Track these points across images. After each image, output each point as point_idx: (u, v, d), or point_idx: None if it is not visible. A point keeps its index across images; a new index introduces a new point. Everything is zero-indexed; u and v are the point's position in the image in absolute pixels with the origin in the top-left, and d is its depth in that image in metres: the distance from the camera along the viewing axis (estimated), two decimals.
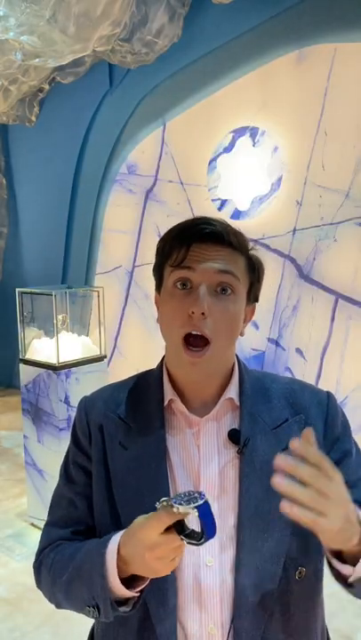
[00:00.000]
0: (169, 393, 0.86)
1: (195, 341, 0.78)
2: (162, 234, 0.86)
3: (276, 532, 0.78)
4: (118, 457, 0.85)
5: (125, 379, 0.95)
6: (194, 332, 0.77)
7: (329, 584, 0.90)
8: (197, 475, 0.82)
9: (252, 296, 0.86)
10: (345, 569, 0.72)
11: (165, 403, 0.86)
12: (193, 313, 0.76)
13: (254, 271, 0.84)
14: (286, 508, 0.61)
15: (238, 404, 0.85)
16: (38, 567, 0.89)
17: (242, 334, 0.85)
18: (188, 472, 0.83)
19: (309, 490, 0.61)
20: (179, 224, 0.84)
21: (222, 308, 0.79)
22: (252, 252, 0.84)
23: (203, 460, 0.82)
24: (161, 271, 0.84)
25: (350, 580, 0.72)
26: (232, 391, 0.85)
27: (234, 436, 0.82)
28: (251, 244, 0.85)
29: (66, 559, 0.83)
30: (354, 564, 0.72)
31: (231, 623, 0.78)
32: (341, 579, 0.74)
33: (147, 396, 0.88)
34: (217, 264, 0.78)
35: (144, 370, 0.95)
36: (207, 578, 0.79)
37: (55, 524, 0.91)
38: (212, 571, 0.79)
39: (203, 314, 0.76)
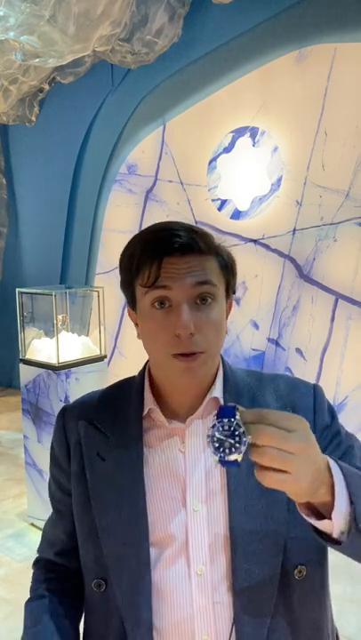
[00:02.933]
0: (149, 402, 0.84)
1: (186, 355, 0.76)
2: None
3: (271, 531, 0.76)
4: (96, 468, 0.83)
5: (107, 387, 0.93)
6: (184, 353, 0.75)
7: (330, 585, 0.89)
8: (184, 480, 0.80)
9: (230, 291, 0.83)
10: (323, 525, 0.66)
11: (145, 412, 0.84)
12: (180, 335, 0.74)
13: (228, 268, 0.81)
14: (258, 476, 0.58)
15: (223, 403, 0.83)
16: (34, 570, 0.96)
17: (226, 332, 0.83)
18: (173, 479, 0.81)
19: (267, 450, 0.58)
20: (141, 236, 0.79)
21: (206, 318, 0.76)
22: (220, 249, 0.80)
23: (188, 463, 0.80)
24: (132, 289, 0.80)
25: (334, 535, 0.65)
26: (217, 390, 0.83)
27: None
28: (218, 240, 0.81)
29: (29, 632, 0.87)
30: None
31: (231, 630, 0.75)
32: (329, 538, 0.67)
33: (126, 406, 0.86)
34: (193, 277, 0.75)
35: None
36: (199, 587, 0.76)
37: (45, 539, 0.96)
38: (204, 580, 0.76)
39: (191, 333, 0.74)
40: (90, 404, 0.89)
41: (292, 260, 3.62)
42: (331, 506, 0.64)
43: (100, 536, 0.80)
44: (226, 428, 0.60)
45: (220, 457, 0.60)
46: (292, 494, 0.62)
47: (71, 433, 0.87)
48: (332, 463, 0.65)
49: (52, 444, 0.91)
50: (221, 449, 0.60)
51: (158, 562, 0.78)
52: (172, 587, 0.77)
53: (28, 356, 3.06)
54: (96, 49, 3.80)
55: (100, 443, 0.84)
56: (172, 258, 0.74)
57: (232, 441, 0.59)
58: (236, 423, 0.59)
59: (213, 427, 0.60)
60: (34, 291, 3.11)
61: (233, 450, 0.59)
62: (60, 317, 2.95)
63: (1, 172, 5.91)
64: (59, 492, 0.90)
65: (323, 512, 0.66)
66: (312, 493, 0.62)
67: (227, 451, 0.59)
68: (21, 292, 3.14)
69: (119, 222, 4.72)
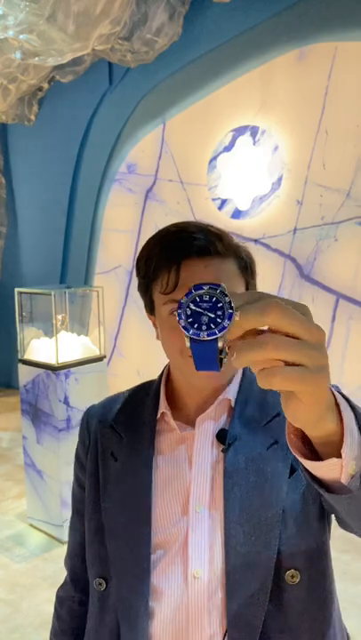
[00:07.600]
0: (162, 406, 0.84)
1: None
2: None
3: (264, 532, 0.74)
4: (109, 467, 0.84)
5: (129, 388, 0.94)
6: None
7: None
8: (189, 484, 0.79)
9: None
10: (327, 467, 0.51)
11: (158, 416, 0.84)
12: None
13: (247, 269, 0.80)
14: (263, 381, 0.43)
15: (234, 405, 0.82)
16: (58, 602, 1.00)
17: None
18: (179, 484, 0.80)
19: (272, 335, 0.41)
20: (157, 238, 0.78)
21: None
22: (239, 250, 0.79)
23: (195, 467, 0.80)
24: (150, 294, 0.80)
25: (343, 478, 0.51)
26: (231, 392, 0.82)
27: (223, 436, 0.80)
28: (236, 240, 0.80)
29: None
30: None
31: (225, 635, 0.73)
32: (330, 489, 0.55)
33: (142, 408, 0.87)
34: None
35: (144, 370, 0.94)
36: (194, 591, 0.75)
37: (70, 548, 0.95)
38: (200, 582, 0.75)
39: None
40: (110, 405, 0.91)
41: (293, 260, 3.60)
42: (337, 438, 0.50)
43: (105, 536, 0.81)
44: (206, 298, 0.42)
45: (194, 335, 0.42)
46: (305, 406, 0.45)
47: (91, 432, 0.89)
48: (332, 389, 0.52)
49: (77, 444, 0.93)
50: (196, 325, 0.42)
51: (158, 564, 0.77)
52: (168, 588, 0.76)
53: (26, 357, 3.04)
54: (95, 48, 3.79)
55: (114, 443, 0.85)
56: (190, 261, 0.74)
57: (212, 315, 0.42)
58: (220, 291, 0.42)
59: (188, 294, 0.43)
60: (33, 290, 3.10)
61: (212, 326, 0.41)
62: (59, 317, 2.94)
63: (0, 172, 5.90)
64: (79, 490, 0.91)
65: (321, 453, 0.52)
66: (325, 409, 0.47)
67: (203, 327, 0.42)
68: (20, 292, 3.12)
69: (119, 222, 4.71)
